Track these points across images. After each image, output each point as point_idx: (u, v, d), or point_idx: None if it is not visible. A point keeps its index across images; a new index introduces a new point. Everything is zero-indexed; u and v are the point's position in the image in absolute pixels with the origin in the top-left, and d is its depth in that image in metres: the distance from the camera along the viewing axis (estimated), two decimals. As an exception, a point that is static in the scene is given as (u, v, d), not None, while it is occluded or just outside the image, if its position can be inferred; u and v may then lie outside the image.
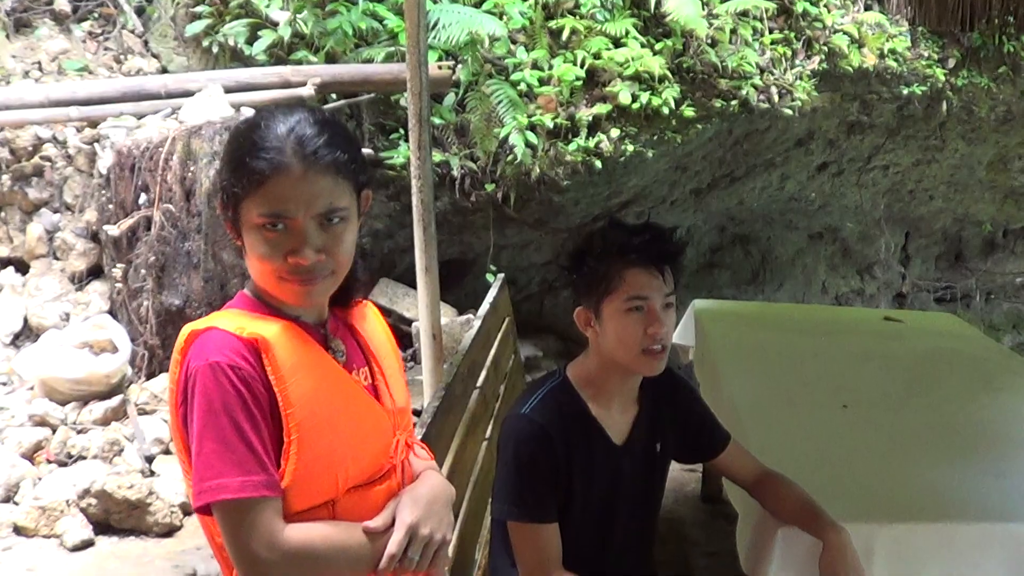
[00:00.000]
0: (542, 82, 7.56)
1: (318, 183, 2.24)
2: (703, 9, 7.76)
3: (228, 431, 2.13)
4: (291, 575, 2.21)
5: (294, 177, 2.22)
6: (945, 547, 3.52)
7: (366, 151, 7.47)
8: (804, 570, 3.38)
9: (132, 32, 8.33)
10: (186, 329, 2.24)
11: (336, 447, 2.28)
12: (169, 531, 4.74)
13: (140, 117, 6.85)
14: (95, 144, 6.75)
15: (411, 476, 2.50)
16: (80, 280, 6.69)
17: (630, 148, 7.59)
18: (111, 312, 6.36)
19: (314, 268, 2.26)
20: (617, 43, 7.65)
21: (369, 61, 7.44)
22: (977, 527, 3.57)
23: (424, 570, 2.38)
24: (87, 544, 4.68)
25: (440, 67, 7.21)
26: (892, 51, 8.86)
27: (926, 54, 9.12)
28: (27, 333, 6.51)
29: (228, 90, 6.90)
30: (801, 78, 8.39)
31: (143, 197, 6.06)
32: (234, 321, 2.25)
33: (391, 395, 2.53)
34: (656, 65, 7.50)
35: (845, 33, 8.57)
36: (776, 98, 8.22)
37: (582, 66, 7.54)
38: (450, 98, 7.60)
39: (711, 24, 7.89)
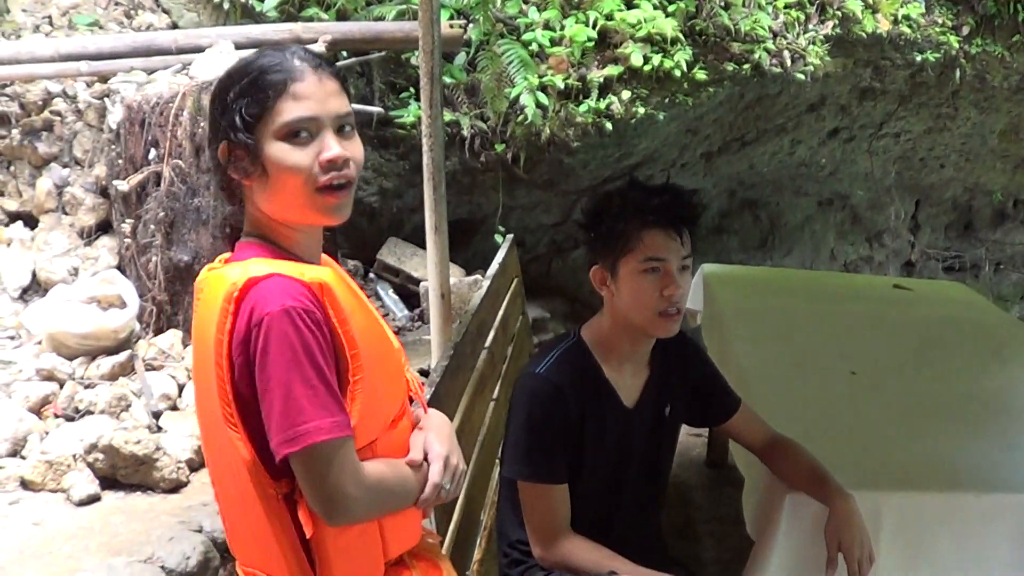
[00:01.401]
0: (553, 43, 7.53)
1: (331, 86, 2.34)
2: (717, -29, 7.73)
3: (312, 375, 2.18)
4: (371, 509, 2.33)
5: (309, 81, 2.31)
6: (953, 517, 3.52)
7: (376, 109, 7.45)
8: (811, 536, 3.38)
9: (143, -13, 8.30)
10: (238, 277, 2.25)
11: (385, 385, 2.40)
12: (175, 487, 4.74)
13: (150, 72, 6.83)
14: (105, 99, 6.73)
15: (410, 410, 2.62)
16: (89, 235, 6.68)
17: (641, 110, 7.57)
18: (119, 267, 6.35)
19: (343, 165, 2.33)
20: (629, 4, 7.62)
21: (380, 19, 7.41)
22: (986, 497, 3.57)
23: (455, 495, 2.53)
24: (94, 499, 4.68)
25: (452, 26, 7.18)
26: (906, 17, 8.81)
27: (940, 21, 9.08)
28: (35, 288, 6.50)
29: (239, 46, 6.88)
30: (814, 43, 8.35)
31: (153, 152, 6.04)
32: (293, 266, 2.30)
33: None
34: (668, 27, 7.47)
35: (859, -2, 8.53)
36: (788, 62, 8.19)
37: (594, 27, 7.51)
38: (461, 57, 7.57)
39: (725, -13, 7.85)
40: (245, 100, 2.30)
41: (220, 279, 2.29)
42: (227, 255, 2.44)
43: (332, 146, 2.31)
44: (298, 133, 2.29)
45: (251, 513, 2.34)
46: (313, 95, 2.31)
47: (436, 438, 2.50)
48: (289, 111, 2.29)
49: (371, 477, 2.27)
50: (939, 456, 3.82)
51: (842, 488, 3.31)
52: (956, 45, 9.10)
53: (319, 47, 6.89)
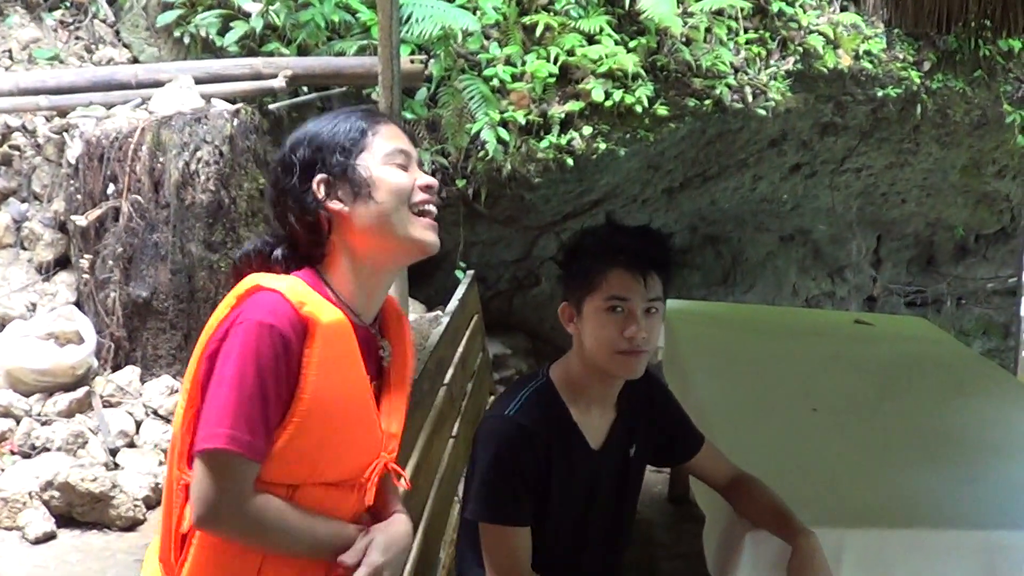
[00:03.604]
0: (515, 78, 7.54)
1: (401, 128, 2.59)
2: (678, 7, 7.73)
3: (253, 391, 2.23)
4: (244, 536, 2.33)
5: (391, 124, 2.56)
6: (915, 553, 3.51)
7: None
8: (772, 574, 3.36)
9: (103, 22, 8.27)
10: (254, 279, 2.37)
11: (324, 447, 2.37)
12: (132, 525, 4.71)
13: (110, 107, 6.81)
14: (64, 133, 6.70)
15: (382, 497, 2.60)
16: (47, 270, 6.64)
17: (602, 146, 7.57)
18: (78, 303, 6.31)
19: (436, 190, 2.55)
20: (591, 40, 7.63)
21: (341, 54, 7.41)
22: (947, 533, 3.56)
23: None
24: (49, 537, 4.64)
25: (412, 61, 7.17)
26: (867, 52, 8.86)
27: (901, 56, 9.13)
28: (-8, 323, 6.46)
29: (199, 81, 6.86)
30: (775, 78, 8.38)
31: (112, 187, 6.01)
32: (302, 293, 2.36)
33: (390, 415, 2.61)
34: (630, 63, 7.48)
35: (820, 34, 8.57)
36: (750, 98, 8.21)
37: (555, 63, 7.51)
38: (422, 93, 7.57)
39: (686, 22, 7.87)
40: (342, 135, 2.48)
41: (253, 277, 2.39)
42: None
43: (424, 175, 2.52)
44: (399, 161, 2.48)
45: (166, 488, 2.44)
46: (399, 135, 2.54)
47: (382, 547, 2.46)
48: (389, 141, 2.50)
49: (259, 510, 2.29)
50: (901, 492, 3.81)
51: (804, 526, 3.29)
52: (917, 80, 9.14)
53: (279, 82, 6.89)
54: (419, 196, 2.49)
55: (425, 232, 2.49)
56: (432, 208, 2.53)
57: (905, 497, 3.78)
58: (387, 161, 2.47)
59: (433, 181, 2.53)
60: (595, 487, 3.39)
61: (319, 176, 2.45)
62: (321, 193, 2.46)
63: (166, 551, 2.45)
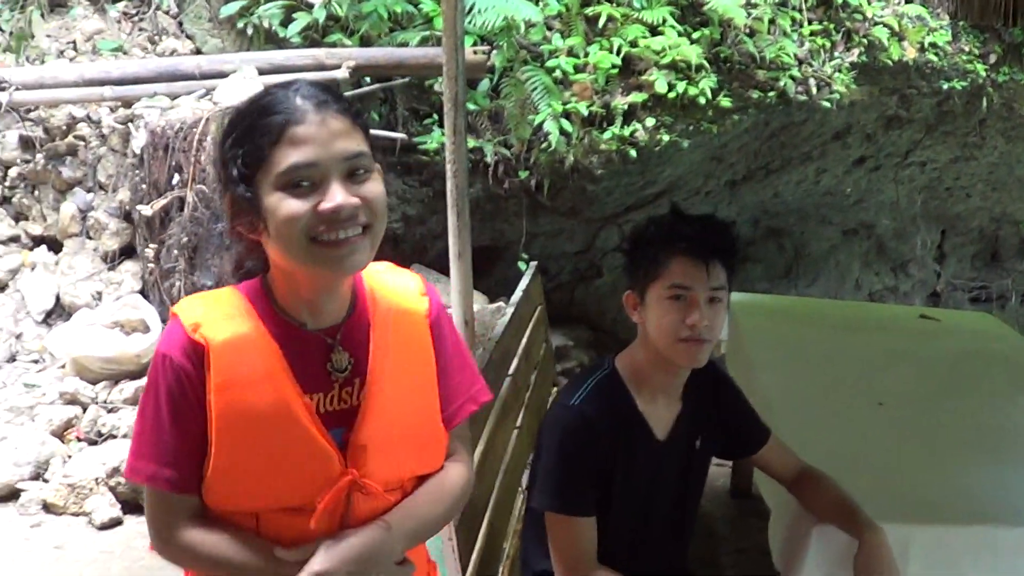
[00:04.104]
0: (577, 69, 7.51)
1: (335, 125, 2.19)
2: (741, -2, 7.70)
3: (154, 421, 2.22)
4: (180, 563, 2.34)
5: (310, 122, 2.16)
6: (983, 550, 3.48)
7: (399, 135, 7.43)
8: (838, 569, 3.34)
9: (167, 13, 8.32)
10: (176, 305, 2.29)
11: (257, 470, 2.26)
12: (197, 512, 4.73)
13: (174, 98, 6.84)
14: (129, 124, 6.75)
15: (363, 514, 2.38)
16: (112, 260, 6.69)
17: (665, 138, 7.53)
18: (143, 292, 6.36)
19: (347, 215, 2.16)
20: (654, 31, 7.58)
21: (404, 45, 7.41)
22: (1016, 531, 3.53)
23: None
24: (115, 523, 4.68)
25: (475, 52, 7.17)
26: (933, 45, 8.76)
27: (967, 49, 9.02)
28: (59, 311, 6.51)
29: (262, 72, 6.89)
30: (840, 70, 8.31)
31: (176, 177, 6.04)
32: (198, 314, 2.25)
33: (365, 425, 2.35)
34: (693, 54, 7.44)
35: (885, 25, 8.46)
36: (814, 90, 8.15)
37: (618, 54, 7.48)
38: (484, 84, 7.56)
39: (749, 14, 7.80)
40: (243, 148, 2.18)
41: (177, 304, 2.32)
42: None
43: (333, 195, 2.15)
44: (298, 183, 2.15)
45: None
46: (314, 138, 2.16)
47: (324, 554, 2.27)
48: (286, 158, 2.15)
49: (180, 540, 2.27)
50: (968, 488, 3.78)
51: (872, 521, 3.27)
52: (983, 74, 9.03)
53: (343, 73, 6.90)
54: (319, 227, 2.15)
55: (328, 265, 2.20)
56: (342, 235, 2.17)
57: (972, 493, 3.74)
58: (280, 183, 2.15)
59: (338, 204, 2.14)
60: (659, 478, 3.38)
61: (226, 195, 2.25)
62: (228, 213, 2.28)
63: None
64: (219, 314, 2.26)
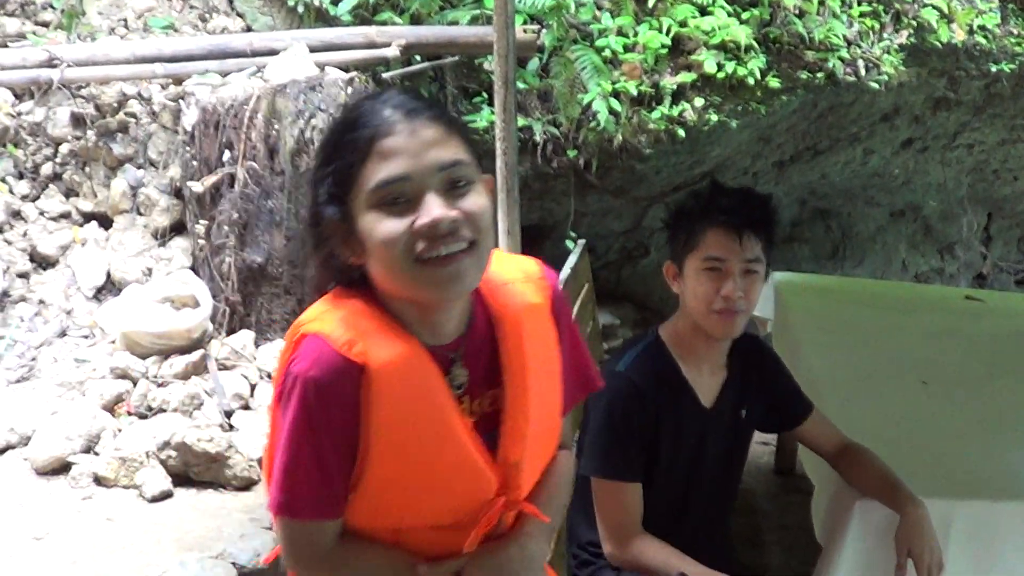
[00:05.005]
0: (627, 49, 7.50)
1: (428, 134, 2.05)
2: (792, -21, 7.68)
3: (310, 451, 2.08)
4: None
5: (400, 133, 2.04)
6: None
7: (448, 114, 7.46)
8: (880, 542, 3.38)
9: (218, -9, 8.36)
10: (299, 325, 2.15)
11: (411, 489, 2.18)
12: (247, 485, 4.78)
13: (225, 75, 6.88)
14: (180, 101, 6.79)
15: (505, 525, 2.35)
16: (163, 236, 6.73)
17: (714, 118, 7.53)
18: (193, 268, 6.40)
19: (446, 229, 2.03)
20: (703, 11, 7.56)
21: (454, 23, 7.41)
22: (1057, 508, 3.55)
23: None
24: (166, 495, 4.72)
25: (525, 31, 7.17)
26: (981, 27, 8.70)
27: (1016, 31, 8.96)
28: (109, 287, 6.56)
29: (313, 49, 6.91)
30: (888, 52, 8.27)
31: (227, 154, 6.09)
32: (347, 331, 2.10)
33: (520, 437, 2.29)
34: (742, 34, 7.42)
35: (934, 7, 8.40)
36: (863, 71, 8.12)
37: (667, 33, 7.47)
38: (534, 63, 7.56)
39: (799, -6, 7.80)
40: (332, 167, 2.10)
41: (299, 323, 2.17)
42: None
43: (429, 209, 2.02)
44: (393, 200, 2.04)
45: None
46: (404, 149, 2.03)
47: (476, 574, 2.24)
48: (376, 174, 2.04)
49: (332, 566, 2.22)
50: (1010, 466, 3.81)
51: (913, 495, 3.31)
52: (1032, 56, 9.00)
53: (393, 51, 6.92)
54: (420, 246, 2.03)
55: (434, 289, 2.09)
56: (444, 251, 2.04)
57: (1015, 471, 3.78)
58: (373, 202, 2.05)
59: (435, 218, 2.02)
60: (704, 445, 3.42)
61: (324, 206, 2.12)
62: (332, 238, 2.15)
63: None
64: (367, 329, 2.11)
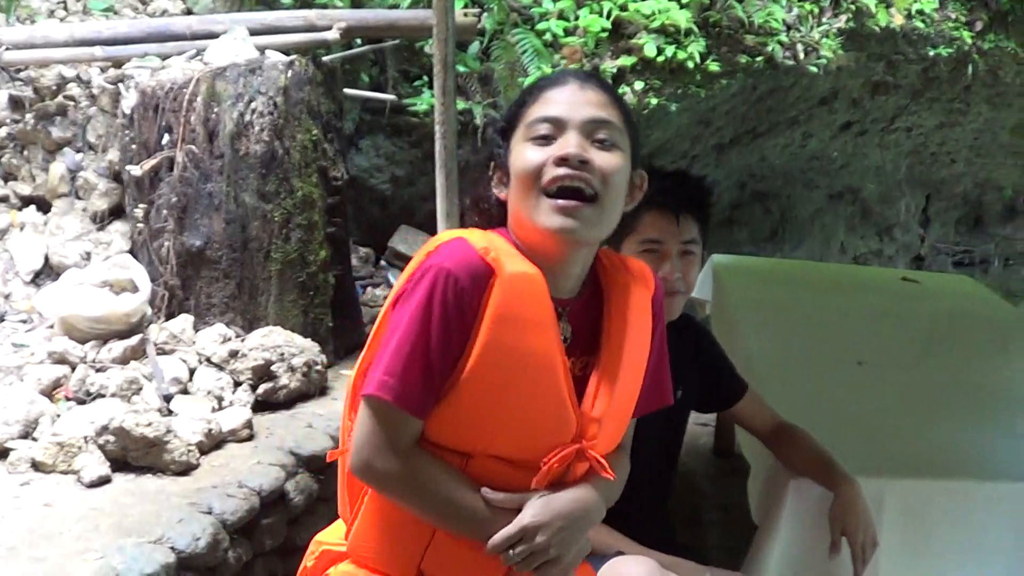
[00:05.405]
0: (567, 32, 7.52)
1: (592, 95, 2.30)
2: (731, -37, 7.72)
3: (417, 340, 2.18)
4: (387, 489, 2.28)
5: (568, 88, 2.30)
6: (955, 504, 3.57)
7: (389, 97, 7.47)
8: (814, 521, 3.43)
9: (157, -27, 8.31)
10: (441, 236, 2.33)
11: (497, 415, 2.27)
12: (186, 469, 4.76)
13: (165, 58, 6.84)
14: (119, 84, 6.75)
15: (572, 480, 2.43)
16: (101, 220, 6.68)
17: (654, 101, 7.56)
18: (132, 252, 6.36)
19: (576, 163, 2.24)
20: (644, -5, 7.61)
21: (395, 6, 7.42)
22: (988, 485, 3.62)
23: (528, 571, 2.32)
24: (104, 480, 4.69)
25: (466, 14, 7.18)
26: (920, 12, 8.76)
27: (953, 16, 9.03)
28: (48, 272, 6.51)
29: (253, 32, 6.88)
30: (827, 36, 8.32)
31: (166, 138, 6.05)
32: (487, 242, 2.27)
33: (595, 397, 2.42)
34: (682, 18, 7.46)
35: (873, -8, 8.50)
36: (802, 55, 8.18)
37: (608, 17, 7.50)
38: (475, 46, 7.57)
39: (738, -22, 7.84)
40: (507, 112, 2.39)
41: (441, 235, 2.34)
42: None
43: (568, 142, 2.25)
44: (543, 135, 2.28)
45: (341, 439, 2.48)
46: (565, 99, 2.29)
47: (539, 507, 2.31)
48: (539, 108, 2.30)
49: (411, 468, 2.23)
50: (943, 444, 3.87)
51: (847, 474, 3.37)
52: (969, 41, 9.04)
53: (333, 34, 6.92)
54: (549, 174, 2.25)
55: (550, 218, 2.26)
56: (568, 185, 2.25)
57: (948, 450, 3.83)
58: (527, 135, 2.30)
59: (573, 151, 2.24)
60: (643, 425, 3.44)
61: (492, 152, 2.41)
62: (493, 179, 2.43)
63: (342, 504, 2.47)
64: (504, 248, 2.28)
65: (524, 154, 2.27)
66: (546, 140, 2.25)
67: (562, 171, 2.23)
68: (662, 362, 2.63)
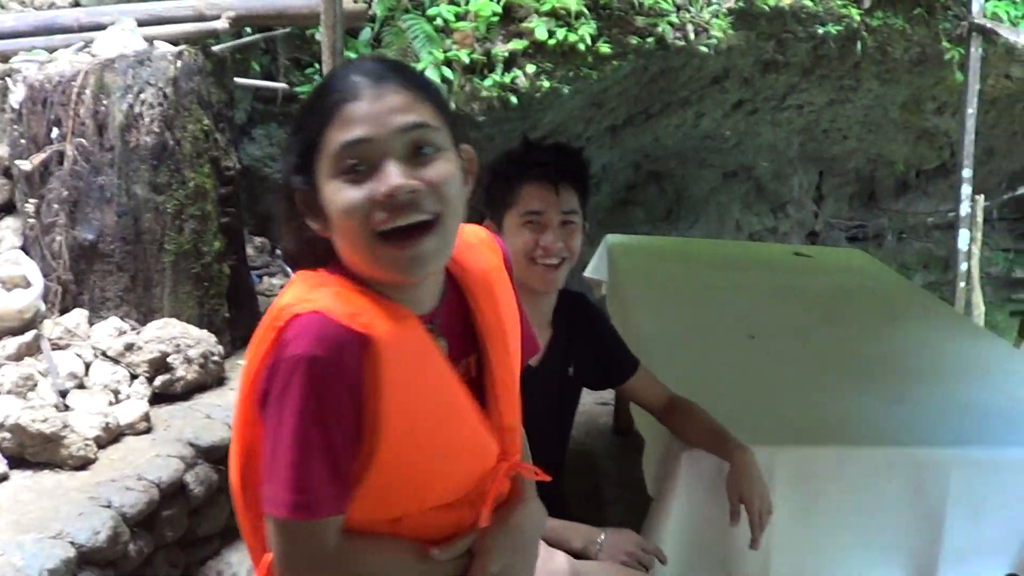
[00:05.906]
0: (458, 17, 7.54)
1: (395, 100, 1.97)
2: (619, -55, 7.76)
3: (318, 441, 1.91)
4: None
5: (365, 98, 1.96)
6: (845, 469, 3.65)
7: (281, 85, 7.45)
8: (707, 491, 3.50)
9: (44, -34, 8.22)
10: (284, 309, 1.97)
11: (421, 470, 2.07)
12: (84, 464, 4.73)
13: (53, 51, 6.78)
14: (7, 79, 6.67)
15: (503, 496, 2.30)
16: (-8, 216, 6.63)
17: (546, 84, 7.60)
18: (24, 248, 6.30)
19: (405, 200, 1.94)
20: (534, -21, 7.64)
21: (284, -5, 7.40)
22: (876, 451, 3.70)
23: None
24: (1, 478, 4.66)
25: (355, 1, 7.18)
26: (809, -10, 8.89)
27: (842, -7, 9.17)
28: (-61, 269, 6.45)
29: (142, 23, 6.83)
30: (717, 16, 8.40)
31: (56, 131, 6.00)
32: (346, 304, 1.96)
33: (508, 395, 2.30)
34: (573, 1, 7.51)
35: (762, -29, 8.58)
36: (692, 36, 8.24)
37: (499, 2, 7.53)
38: (366, 33, 7.57)
39: (628, -40, 7.89)
40: (299, 136, 2.03)
41: (285, 306, 1.98)
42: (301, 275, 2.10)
43: (387, 176, 1.93)
44: (353, 167, 1.94)
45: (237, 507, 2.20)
46: (368, 115, 1.94)
47: (496, 548, 2.18)
48: (337, 138, 1.95)
49: (339, 564, 2.02)
50: (832, 413, 3.95)
51: (741, 443, 3.43)
52: (857, 18, 9.16)
53: (222, 24, 6.88)
54: (378, 217, 1.94)
55: (394, 264, 1.98)
56: (402, 222, 1.95)
57: (836, 417, 3.91)
58: (335, 169, 1.96)
59: (394, 185, 1.92)
60: (535, 403, 3.46)
61: (292, 175, 2.05)
62: (302, 209, 2.06)
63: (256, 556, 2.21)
64: (363, 303, 1.98)
65: (339, 195, 1.96)
66: (359, 174, 1.94)
67: (390, 213, 1.94)
68: (523, 314, 2.48)
